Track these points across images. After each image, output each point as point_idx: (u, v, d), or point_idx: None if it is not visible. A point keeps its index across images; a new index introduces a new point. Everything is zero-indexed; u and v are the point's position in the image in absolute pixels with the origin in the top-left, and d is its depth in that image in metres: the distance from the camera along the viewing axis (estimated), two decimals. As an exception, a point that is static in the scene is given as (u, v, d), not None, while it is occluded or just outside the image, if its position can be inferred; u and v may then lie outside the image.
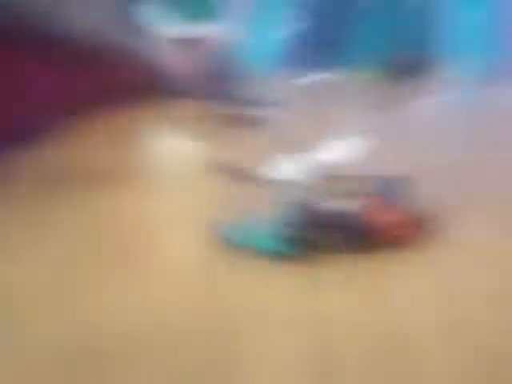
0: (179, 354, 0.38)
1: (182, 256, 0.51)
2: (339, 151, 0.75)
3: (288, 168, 0.62)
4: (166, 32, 2.39)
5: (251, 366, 0.32)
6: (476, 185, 0.77)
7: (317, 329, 0.36)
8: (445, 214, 0.58)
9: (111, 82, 2.03)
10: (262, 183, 0.63)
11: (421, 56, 2.18)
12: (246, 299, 0.41)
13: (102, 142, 1.13)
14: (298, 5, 3.23)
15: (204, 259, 0.48)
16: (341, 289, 0.41)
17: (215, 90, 1.56)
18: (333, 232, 0.46)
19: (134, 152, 1.05)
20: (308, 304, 0.39)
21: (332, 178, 0.57)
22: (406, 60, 2.16)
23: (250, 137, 0.93)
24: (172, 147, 1.14)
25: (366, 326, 0.37)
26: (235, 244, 0.47)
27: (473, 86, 1.47)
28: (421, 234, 0.49)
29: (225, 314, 0.39)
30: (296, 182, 0.61)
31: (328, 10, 3.26)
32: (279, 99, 1.47)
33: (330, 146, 0.75)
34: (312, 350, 0.34)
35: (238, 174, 0.79)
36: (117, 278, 0.50)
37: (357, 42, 2.95)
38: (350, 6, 3.29)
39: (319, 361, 0.33)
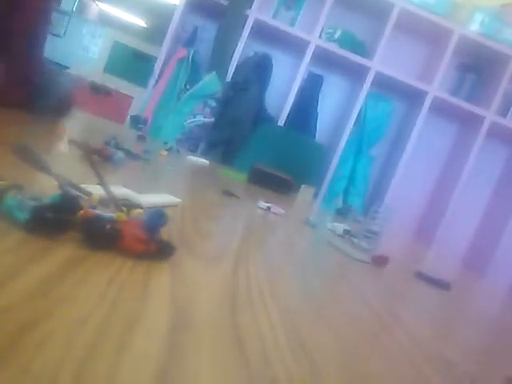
0: None
1: None
2: (147, 197, 0.85)
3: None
4: None
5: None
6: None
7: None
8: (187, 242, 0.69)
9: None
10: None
11: (293, 181, 2.46)
12: None
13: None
14: (210, 104, 3.54)
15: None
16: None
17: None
18: (90, 226, 0.52)
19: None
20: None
21: (119, 201, 0.65)
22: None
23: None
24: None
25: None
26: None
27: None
28: (161, 255, 0.58)
29: None
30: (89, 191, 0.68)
31: (234, 114, 3.61)
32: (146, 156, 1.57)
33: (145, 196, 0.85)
34: None
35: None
36: None
37: (249, 150, 3.26)
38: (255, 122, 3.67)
39: None
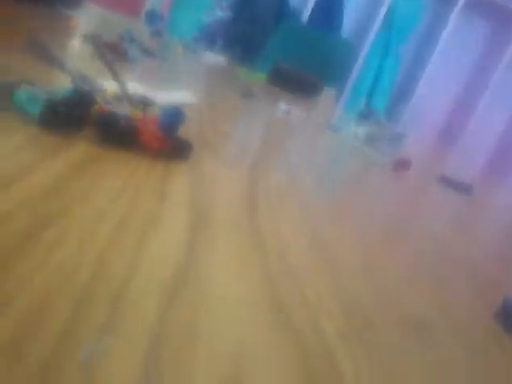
0: None
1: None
2: (164, 94, 0.81)
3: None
4: None
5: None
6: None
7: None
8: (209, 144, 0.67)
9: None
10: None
11: (319, 82, 2.36)
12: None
13: None
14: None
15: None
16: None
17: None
18: (104, 123, 0.50)
19: None
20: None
21: (134, 98, 0.62)
22: (303, 79, 2.32)
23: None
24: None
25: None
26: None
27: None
28: (179, 154, 0.56)
29: None
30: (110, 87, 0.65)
31: (253, 9, 3.38)
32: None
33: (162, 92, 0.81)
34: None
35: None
36: None
37: (270, 48, 3.10)
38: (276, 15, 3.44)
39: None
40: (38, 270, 0.26)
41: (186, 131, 0.58)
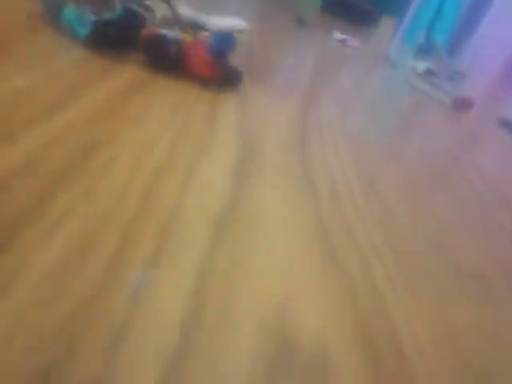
0: None
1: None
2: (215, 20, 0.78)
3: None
4: None
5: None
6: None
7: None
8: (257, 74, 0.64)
9: None
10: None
11: (377, 11, 2.20)
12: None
13: None
14: None
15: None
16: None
17: None
18: (153, 47, 0.48)
19: None
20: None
21: (184, 22, 0.60)
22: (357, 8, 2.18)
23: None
24: None
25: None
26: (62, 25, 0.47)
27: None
28: (228, 81, 0.54)
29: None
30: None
31: None
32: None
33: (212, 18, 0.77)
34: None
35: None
36: None
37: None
38: None
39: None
40: (86, 197, 0.25)
41: (236, 58, 0.55)
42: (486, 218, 0.52)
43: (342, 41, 1.29)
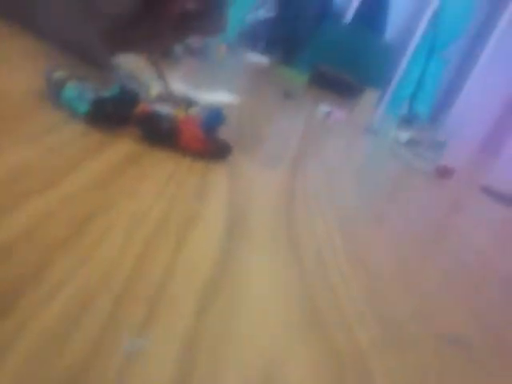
0: None
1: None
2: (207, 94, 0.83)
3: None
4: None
5: None
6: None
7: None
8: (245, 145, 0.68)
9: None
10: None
11: (360, 84, 2.33)
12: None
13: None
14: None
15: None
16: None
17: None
18: (148, 122, 0.51)
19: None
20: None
21: (177, 98, 0.64)
22: (344, 82, 2.30)
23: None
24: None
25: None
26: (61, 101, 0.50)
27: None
28: (219, 155, 0.57)
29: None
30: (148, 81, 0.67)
31: (297, 10, 3.37)
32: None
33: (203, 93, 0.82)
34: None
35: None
36: None
37: (312, 49, 3.08)
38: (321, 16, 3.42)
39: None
40: (81, 265, 0.27)
41: (225, 132, 0.59)
42: (472, 285, 0.53)
43: (328, 113, 1.36)
